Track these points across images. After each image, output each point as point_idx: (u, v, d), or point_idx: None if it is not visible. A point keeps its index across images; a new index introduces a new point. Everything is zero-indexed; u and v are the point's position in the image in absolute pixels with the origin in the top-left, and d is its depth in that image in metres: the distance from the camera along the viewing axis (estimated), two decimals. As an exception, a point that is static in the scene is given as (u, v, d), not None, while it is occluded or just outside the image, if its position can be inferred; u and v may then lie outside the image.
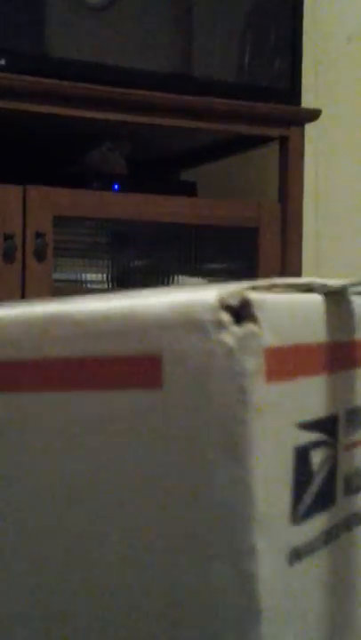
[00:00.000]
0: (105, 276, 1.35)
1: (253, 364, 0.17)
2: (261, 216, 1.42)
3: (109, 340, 0.18)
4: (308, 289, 0.20)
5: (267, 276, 1.39)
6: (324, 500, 0.21)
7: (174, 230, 1.37)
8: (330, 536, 0.21)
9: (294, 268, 1.42)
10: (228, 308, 0.17)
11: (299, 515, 0.19)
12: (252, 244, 1.41)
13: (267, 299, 0.18)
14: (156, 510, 0.18)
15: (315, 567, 0.20)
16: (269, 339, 0.18)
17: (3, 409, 0.19)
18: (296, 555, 0.19)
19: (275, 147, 1.45)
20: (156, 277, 1.37)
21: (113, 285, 1.35)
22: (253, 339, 0.17)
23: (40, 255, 1.24)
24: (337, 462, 0.21)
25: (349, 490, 0.22)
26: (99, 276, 1.34)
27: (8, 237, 1.22)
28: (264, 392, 0.17)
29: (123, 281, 1.35)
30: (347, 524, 0.22)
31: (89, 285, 1.33)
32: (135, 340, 0.18)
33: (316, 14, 1.65)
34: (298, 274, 1.42)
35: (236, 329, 0.17)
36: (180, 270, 1.39)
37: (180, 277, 1.39)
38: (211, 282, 1.42)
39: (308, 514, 0.20)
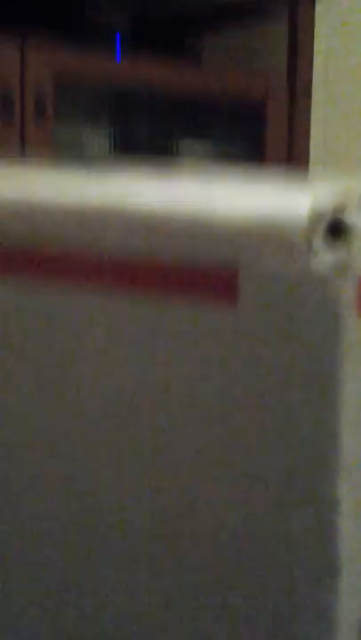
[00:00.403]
0: (107, 140, 1.32)
1: (348, 295, 0.16)
2: (268, 88, 1.38)
3: (183, 247, 0.17)
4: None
5: (274, 150, 1.36)
6: None
7: (180, 99, 1.33)
8: None
9: (302, 145, 1.39)
10: (321, 228, 0.16)
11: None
12: (260, 118, 1.38)
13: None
14: (228, 446, 0.17)
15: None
16: (360, 267, 0.16)
17: (57, 302, 0.18)
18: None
19: (284, 19, 1.40)
20: (162, 143, 1.34)
21: (115, 150, 1.32)
22: (348, 267, 0.16)
23: (40, 115, 1.21)
24: None
25: None
26: (100, 141, 1.31)
27: (6, 95, 1.18)
28: (355, 327, 0.16)
29: (126, 146, 1.32)
30: None
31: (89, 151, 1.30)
32: (213, 252, 0.16)
33: None
34: (306, 150, 1.40)
35: (330, 255, 0.16)
36: (184, 135, 1.36)
37: (185, 142, 1.36)
38: (216, 148, 1.39)
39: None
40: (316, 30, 1.41)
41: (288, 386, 0.16)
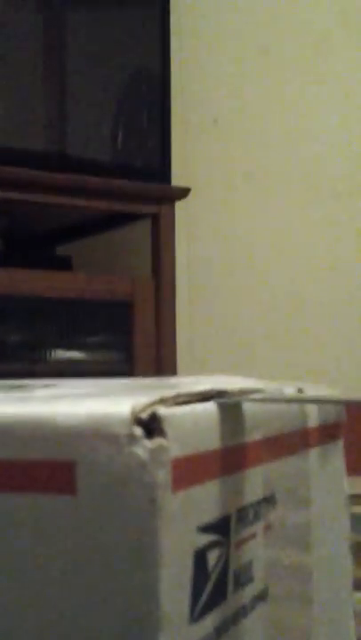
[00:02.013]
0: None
1: (163, 475, 0.19)
2: (135, 290, 1.45)
3: (25, 444, 0.20)
4: (207, 397, 0.22)
5: (142, 348, 1.41)
6: (218, 597, 0.22)
7: (50, 304, 1.38)
8: (220, 631, 0.22)
9: (168, 340, 1.45)
10: (140, 421, 0.19)
11: (195, 614, 0.21)
12: (127, 318, 1.43)
13: (173, 413, 0.20)
14: (65, 617, 0.19)
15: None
16: (176, 450, 0.19)
17: None
18: (194, 652, 0.21)
19: (148, 222, 1.49)
20: (31, 352, 1.37)
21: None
22: (163, 451, 0.19)
23: None
24: (229, 560, 0.23)
25: (238, 585, 0.24)
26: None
27: None
28: (171, 501, 0.19)
29: (-2, 356, 1.35)
30: (235, 618, 0.23)
31: None
32: (50, 447, 0.19)
33: (184, 97, 1.71)
34: (172, 346, 1.45)
35: (147, 442, 0.19)
36: (56, 344, 1.39)
37: (57, 351, 1.40)
38: (87, 356, 1.43)
39: (204, 612, 0.21)
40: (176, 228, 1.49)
41: (117, 557, 0.19)
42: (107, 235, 1.63)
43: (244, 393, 0.24)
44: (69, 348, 1.41)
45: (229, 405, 0.23)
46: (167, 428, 0.19)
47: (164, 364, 1.42)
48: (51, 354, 1.39)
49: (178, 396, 0.21)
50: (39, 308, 1.38)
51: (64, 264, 1.52)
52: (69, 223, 1.59)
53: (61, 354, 1.39)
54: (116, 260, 1.67)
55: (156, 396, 0.20)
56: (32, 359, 1.37)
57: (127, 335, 1.43)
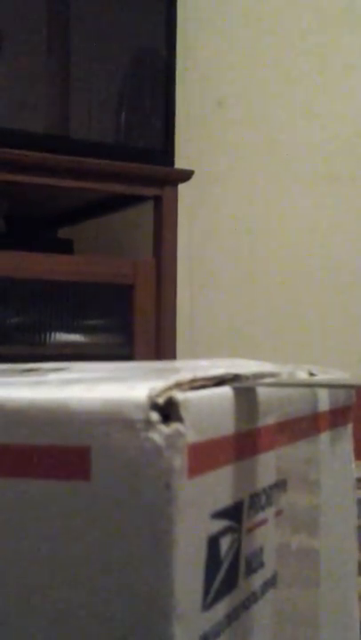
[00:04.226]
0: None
1: (179, 461, 0.19)
2: (137, 273, 1.44)
3: (39, 430, 0.19)
4: (222, 381, 0.22)
5: (143, 331, 1.41)
6: (230, 583, 0.22)
7: (51, 287, 1.38)
8: (231, 618, 0.22)
9: (169, 323, 1.45)
10: (156, 406, 0.19)
11: (208, 601, 0.21)
12: (128, 301, 1.43)
13: (190, 398, 0.19)
14: (79, 602, 0.19)
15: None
16: (192, 435, 0.19)
17: None
18: (205, 639, 0.20)
19: (150, 205, 1.48)
20: (32, 335, 1.37)
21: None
22: (179, 437, 0.19)
23: None
24: (240, 546, 0.23)
25: (249, 570, 0.24)
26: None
27: None
28: (186, 487, 0.19)
29: (-1, 338, 1.35)
30: (245, 605, 0.23)
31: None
32: (65, 432, 0.19)
33: (189, 80, 1.70)
34: (172, 330, 1.45)
35: (163, 428, 0.19)
36: (57, 327, 1.39)
37: (58, 334, 1.40)
38: (87, 339, 1.43)
39: (216, 599, 0.21)
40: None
41: (132, 543, 0.19)
42: (109, 217, 1.62)
43: (258, 377, 0.24)
44: (70, 330, 1.41)
45: (244, 390, 0.22)
46: (184, 413, 0.19)
47: (163, 348, 1.42)
48: (52, 337, 1.38)
49: (194, 380, 0.20)
50: (40, 291, 1.38)
51: (66, 247, 1.51)
52: (71, 206, 1.58)
53: (62, 337, 1.39)
54: (117, 243, 1.66)
55: (172, 380, 0.20)
56: (33, 342, 1.37)
57: (128, 318, 1.43)
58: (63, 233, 1.63)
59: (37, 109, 1.36)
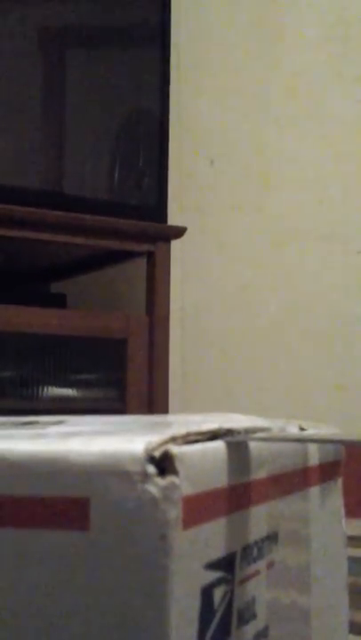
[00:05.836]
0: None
1: (174, 513, 0.19)
2: (130, 327, 1.45)
3: (40, 481, 0.20)
4: (215, 436, 0.23)
5: (135, 385, 1.41)
6: (223, 634, 0.22)
7: (44, 341, 1.38)
8: (223, 668, 0.23)
9: (161, 379, 1.45)
10: (153, 460, 0.20)
11: (201, 652, 0.21)
12: (121, 355, 1.44)
13: (184, 452, 0.20)
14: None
15: None
16: (186, 488, 0.20)
17: None
18: None
19: (143, 260, 1.50)
20: (25, 389, 1.37)
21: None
22: (174, 489, 0.19)
23: None
24: (233, 597, 0.23)
25: (242, 621, 0.24)
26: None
27: None
28: (181, 538, 0.20)
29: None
30: (237, 655, 0.24)
31: None
32: (65, 484, 0.20)
33: (182, 138, 1.73)
34: (165, 384, 1.45)
35: (159, 480, 0.19)
36: (50, 382, 1.40)
37: (50, 388, 1.40)
38: (80, 393, 1.43)
39: (209, 650, 0.22)
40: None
41: (128, 592, 0.19)
42: (102, 272, 1.64)
43: (250, 431, 0.24)
44: (63, 385, 1.41)
45: (236, 444, 0.23)
46: (179, 466, 0.20)
47: (156, 402, 1.43)
48: (44, 390, 1.39)
49: (188, 434, 0.21)
50: (33, 345, 1.39)
51: (58, 301, 1.52)
52: (64, 260, 1.60)
53: (55, 391, 1.40)
54: (110, 298, 1.68)
55: (167, 434, 0.20)
56: (25, 396, 1.37)
57: (121, 372, 1.43)
58: (56, 287, 1.64)
59: (32, 165, 1.38)
